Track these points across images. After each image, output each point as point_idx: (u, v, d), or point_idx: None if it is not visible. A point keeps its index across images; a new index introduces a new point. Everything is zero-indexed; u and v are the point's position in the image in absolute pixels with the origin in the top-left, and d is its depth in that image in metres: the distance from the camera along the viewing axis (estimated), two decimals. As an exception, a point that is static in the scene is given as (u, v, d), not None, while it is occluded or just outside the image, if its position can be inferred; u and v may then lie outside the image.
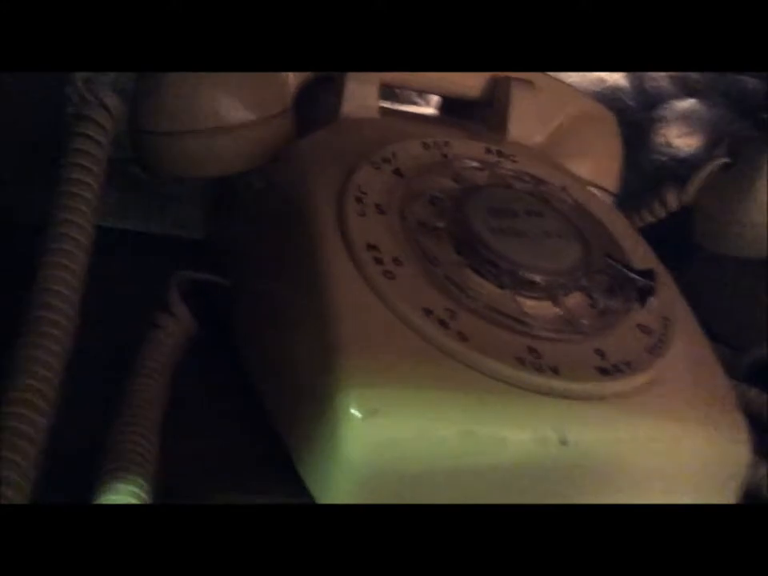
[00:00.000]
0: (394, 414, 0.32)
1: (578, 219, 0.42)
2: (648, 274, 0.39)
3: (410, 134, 0.43)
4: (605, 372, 0.35)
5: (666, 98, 0.70)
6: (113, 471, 0.29)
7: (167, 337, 0.39)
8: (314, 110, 0.46)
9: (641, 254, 0.42)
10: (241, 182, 0.45)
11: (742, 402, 0.49)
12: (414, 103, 0.60)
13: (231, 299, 0.43)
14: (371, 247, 0.36)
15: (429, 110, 0.60)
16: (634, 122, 0.70)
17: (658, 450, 0.35)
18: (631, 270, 0.39)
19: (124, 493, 0.28)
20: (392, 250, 0.36)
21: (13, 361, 0.30)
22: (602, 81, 0.69)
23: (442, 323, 0.34)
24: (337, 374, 0.32)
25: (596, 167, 0.52)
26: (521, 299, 0.36)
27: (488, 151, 0.44)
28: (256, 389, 0.39)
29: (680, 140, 0.71)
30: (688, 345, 0.39)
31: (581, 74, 0.68)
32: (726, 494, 0.37)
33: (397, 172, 0.40)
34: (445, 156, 0.42)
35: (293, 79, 0.45)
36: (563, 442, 0.33)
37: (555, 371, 0.34)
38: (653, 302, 0.39)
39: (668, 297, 0.40)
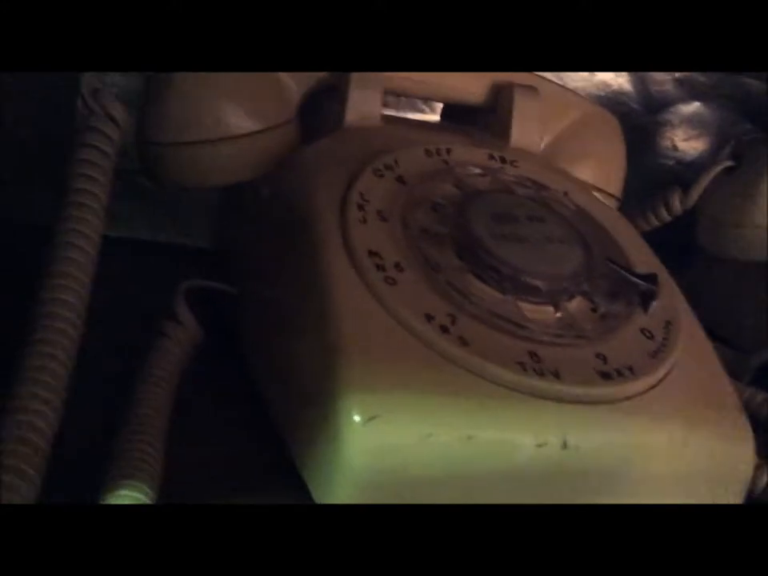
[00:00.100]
0: (394, 419, 0.32)
1: (580, 224, 0.42)
2: (650, 278, 0.39)
3: (412, 141, 0.44)
4: (606, 376, 0.35)
5: (671, 101, 0.71)
6: (118, 478, 0.29)
7: (174, 345, 0.39)
8: (318, 119, 0.46)
9: (644, 258, 0.42)
10: (247, 190, 0.45)
11: (749, 405, 0.49)
12: (419, 110, 0.61)
13: (237, 307, 0.44)
14: (373, 253, 0.36)
15: (432, 117, 0.60)
16: (640, 125, 0.70)
17: (660, 453, 0.35)
18: (633, 274, 0.40)
19: (129, 500, 0.28)
20: (394, 256, 0.37)
21: (18, 370, 0.31)
22: (607, 85, 0.69)
23: (443, 328, 0.34)
24: (338, 380, 0.32)
25: (599, 171, 0.52)
26: (522, 304, 0.37)
27: (490, 157, 0.44)
28: (262, 396, 0.39)
29: (685, 143, 0.71)
30: (691, 348, 0.39)
31: (586, 78, 0.68)
32: (729, 497, 0.37)
33: (399, 179, 0.41)
34: (447, 163, 0.43)
35: (297, 88, 0.45)
36: (564, 447, 0.33)
37: (556, 375, 0.34)
38: (655, 306, 0.39)
39: (670, 300, 0.40)
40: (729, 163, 0.56)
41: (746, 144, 0.58)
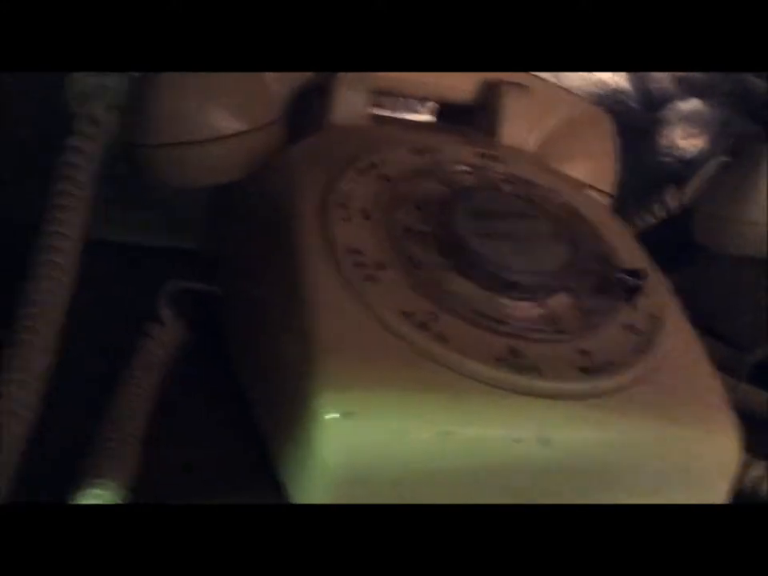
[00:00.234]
0: (370, 415, 0.32)
1: (567, 221, 0.42)
2: (637, 273, 0.39)
3: (399, 139, 0.44)
4: (587, 371, 0.35)
5: (669, 99, 0.70)
6: (89, 477, 0.29)
7: (156, 346, 0.39)
8: (307, 118, 0.46)
9: (633, 255, 0.42)
10: (235, 191, 0.45)
11: (744, 402, 0.49)
12: (413, 110, 0.61)
13: (224, 307, 0.44)
14: (354, 251, 0.36)
15: (426, 117, 0.60)
16: (639, 123, 0.70)
17: (642, 449, 0.35)
18: (620, 269, 0.39)
19: (98, 499, 0.28)
20: (376, 255, 0.37)
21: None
22: (605, 83, 0.69)
23: (423, 326, 0.34)
24: (314, 377, 0.32)
25: (592, 169, 0.52)
26: (504, 300, 0.36)
27: (479, 155, 0.44)
28: (246, 396, 0.39)
29: (685, 141, 0.70)
30: (677, 344, 0.39)
31: (584, 76, 0.68)
32: (714, 494, 0.37)
33: (384, 177, 0.40)
34: (434, 161, 0.42)
35: (283, 89, 0.45)
36: (544, 442, 0.33)
37: (536, 371, 0.34)
38: (641, 301, 0.39)
39: (658, 296, 0.40)
40: (725, 159, 0.56)
41: (744, 140, 0.58)
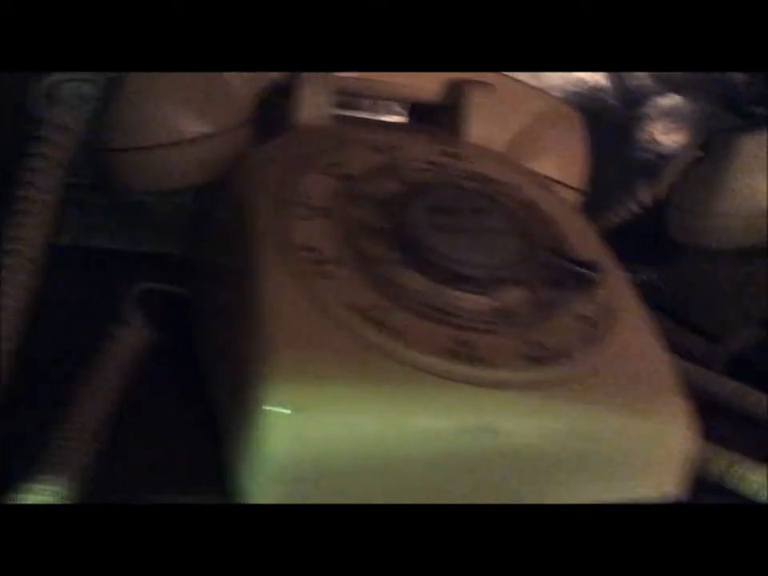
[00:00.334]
0: (321, 409, 0.32)
1: (527, 216, 0.42)
2: (591, 265, 0.39)
3: (361, 139, 0.44)
4: (537, 361, 0.35)
5: (649, 95, 0.70)
6: (34, 477, 0.29)
7: (122, 347, 0.40)
8: (274, 120, 0.47)
9: (591, 248, 0.42)
10: (206, 193, 0.46)
11: (720, 395, 0.49)
12: (387, 111, 0.61)
13: (193, 308, 0.44)
14: (309, 249, 0.37)
15: (399, 118, 0.61)
16: (618, 120, 0.70)
17: (590, 438, 0.35)
18: (574, 262, 0.40)
19: (42, 495, 0.29)
20: (332, 252, 0.37)
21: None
22: (584, 81, 0.69)
23: (374, 320, 0.35)
24: (265, 372, 0.33)
25: (561, 166, 0.52)
26: (456, 294, 0.37)
27: (441, 153, 0.45)
28: (209, 395, 0.39)
29: (665, 136, 0.71)
30: (632, 335, 0.39)
31: (562, 74, 0.69)
32: (669, 483, 0.37)
33: (345, 176, 0.41)
34: (395, 159, 0.43)
35: (249, 91, 0.46)
36: (493, 432, 0.34)
37: (487, 362, 0.35)
38: (596, 292, 0.39)
39: (614, 288, 0.40)
40: (696, 154, 0.57)
41: (716, 134, 0.58)
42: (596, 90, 0.69)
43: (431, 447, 0.33)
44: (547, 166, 0.51)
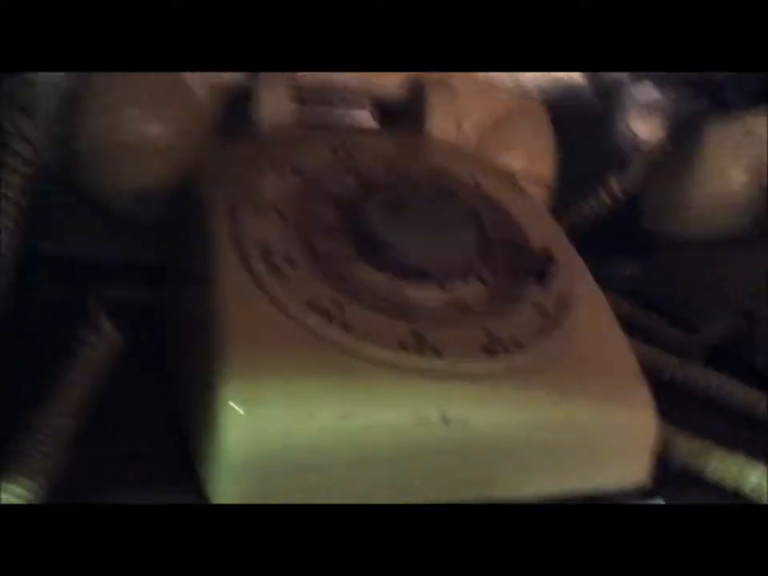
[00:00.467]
0: (274, 404, 0.33)
1: (483, 210, 0.42)
2: (545, 255, 0.40)
3: (319, 138, 0.45)
4: (490, 351, 0.36)
5: (623, 85, 0.71)
6: (5, 475, 0.30)
7: (90, 351, 0.40)
8: (236, 121, 0.47)
9: (550, 240, 0.43)
10: (173, 197, 0.46)
11: (696, 384, 0.49)
12: (353, 110, 0.62)
13: (162, 311, 0.45)
14: (264, 246, 0.37)
15: (365, 117, 0.61)
16: (593, 110, 0.70)
17: (544, 427, 0.36)
18: (529, 252, 0.40)
19: (12, 495, 0.30)
20: (287, 251, 0.38)
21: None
22: (558, 73, 0.69)
23: (327, 315, 0.35)
24: (220, 368, 0.33)
25: (526, 160, 0.52)
26: (410, 287, 0.37)
27: (401, 151, 0.45)
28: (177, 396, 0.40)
29: (641, 127, 0.71)
30: (590, 324, 0.39)
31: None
32: (631, 470, 0.37)
33: (301, 176, 0.42)
34: (353, 158, 0.43)
35: (209, 93, 0.47)
36: (446, 423, 0.34)
37: (438, 353, 0.35)
38: (553, 283, 0.39)
39: (571, 278, 0.41)
40: (665, 145, 0.57)
41: (685, 121, 0.58)
42: (571, 80, 0.70)
43: (384, 438, 0.34)
44: (515, 161, 0.52)
